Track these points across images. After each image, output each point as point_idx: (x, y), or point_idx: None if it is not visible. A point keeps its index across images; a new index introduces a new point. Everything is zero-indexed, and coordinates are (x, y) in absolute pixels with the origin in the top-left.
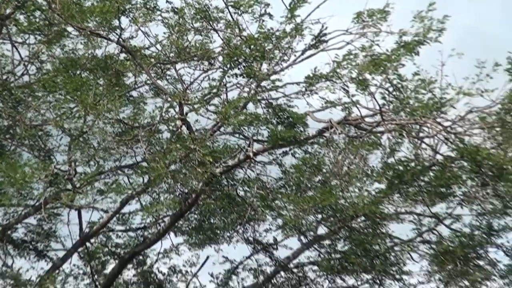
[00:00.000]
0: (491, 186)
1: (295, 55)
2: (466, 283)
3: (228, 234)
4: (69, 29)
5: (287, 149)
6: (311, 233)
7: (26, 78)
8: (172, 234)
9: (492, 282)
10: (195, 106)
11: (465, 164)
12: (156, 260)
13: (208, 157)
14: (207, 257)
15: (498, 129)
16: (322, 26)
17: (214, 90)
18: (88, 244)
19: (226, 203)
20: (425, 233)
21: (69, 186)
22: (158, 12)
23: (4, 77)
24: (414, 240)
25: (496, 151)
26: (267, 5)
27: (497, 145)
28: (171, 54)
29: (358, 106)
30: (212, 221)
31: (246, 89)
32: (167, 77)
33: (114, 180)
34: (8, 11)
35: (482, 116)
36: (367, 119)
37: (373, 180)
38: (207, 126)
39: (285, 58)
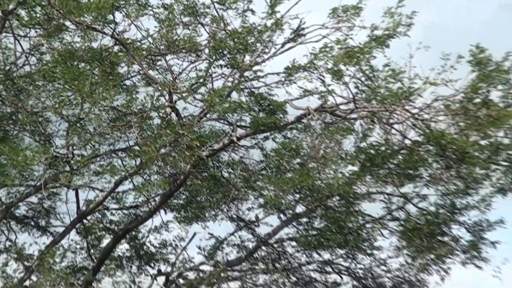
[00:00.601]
0: (455, 169)
1: (275, 48)
2: (432, 257)
3: (214, 212)
4: (67, 23)
5: (268, 134)
6: (290, 211)
7: (27, 68)
8: (162, 212)
9: (455, 257)
10: (183, 94)
11: (431, 148)
12: (148, 236)
13: (195, 142)
14: (194, 233)
15: (461, 116)
16: (300, 21)
17: (201, 80)
18: (85, 221)
19: (211, 183)
20: (394, 211)
21: (67, 168)
22: (150, 8)
23: (7, 67)
24: (384, 217)
25: (459, 136)
26: (250, 1)
27: (460, 130)
28: (161, 47)
29: (333, 94)
30: (199, 200)
31: (230, 79)
32: (158, 68)
33: (109, 163)
34: (11, 7)
35: (446, 104)
36: (341, 107)
37: (347, 162)
38: (194, 113)
39: (266, 50)
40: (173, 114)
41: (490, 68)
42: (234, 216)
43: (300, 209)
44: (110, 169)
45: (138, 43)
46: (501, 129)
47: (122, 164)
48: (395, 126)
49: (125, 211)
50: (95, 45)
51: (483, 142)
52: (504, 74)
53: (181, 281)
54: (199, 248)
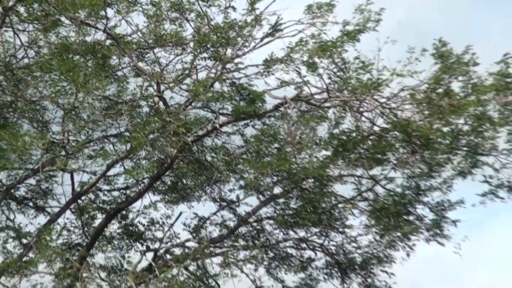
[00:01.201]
0: (419, 153)
1: (254, 42)
2: (398, 234)
3: (198, 193)
4: (63, 19)
5: (248, 121)
6: (268, 192)
7: (26, 60)
8: (150, 193)
9: (419, 234)
10: (170, 85)
11: (398, 134)
12: (137, 215)
13: (181, 128)
14: (180, 213)
15: (425, 104)
16: (278, 17)
17: (186, 72)
18: (79, 201)
19: (196, 167)
20: (364, 192)
21: (63, 153)
22: (139, 4)
23: (7, 59)
24: (355, 198)
25: (423, 124)
26: None
27: (424, 118)
28: (150, 41)
29: (308, 85)
30: (184, 182)
31: (213, 71)
32: (146, 60)
33: (101, 148)
34: (10, 3)
35: (412, 93)
36: (316, 96)
37: (321, 148)
38: (180, 102)
39: (246, 44)
40: (160, 103)
41: (452, 60)
42: (216, 197)
43: (277, 190)
44: (102, 153)
45: (128, 37)
46: (461, 117)
47: (114, 149)
48: (365, 114)
49: (116, 193)
50: (88, 39)
51: (445, 129)
52: (464, 66)
53: (168, 256)
54: (185, 225)
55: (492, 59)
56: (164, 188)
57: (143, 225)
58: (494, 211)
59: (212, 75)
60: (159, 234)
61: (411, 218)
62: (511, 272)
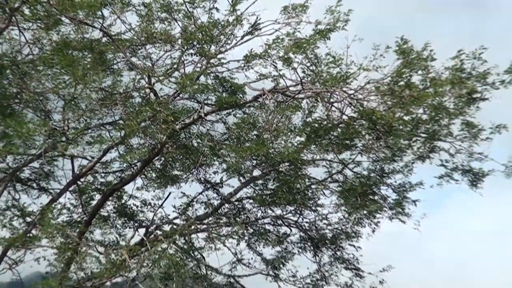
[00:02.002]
0: (383, 140)
1: (236, 39)
2: (365, 212)
3: (185, 175)
4: (63, 18)
5: (230, 110)
6: (248, 174)
7: (30, 56)
8: (142, 175)
9: (383, 213)
10: (160, 78)
11: (364, 122)
12: (130, 196)
13: (170, 117)
14: (169, 193)
15: (388, 96)
16: (257, 18)
17: (175, 66)
18: (78, 182)
19: (183, 152)
20: (334, 174)
21: (64, 139)
22: (132, 6)
23: (13, 55)
24: (326, 180)
25: (387, 113)
26: (215, 1)
27: (387, 108)
28: (142, 38)
29: (284, 78)
30: (173, 165)
31: (199, 65)
32: (138, 56)
33: (98, 134)
34: (16, 4)
35: (377, 86)
36: (291, 88)
37: (295, 134)
38: (169, 93)
39: (228, 41)
40: (151, 94)
41: (412, 56)
42: (202, 178)
43: (256, 172)
44: (99, 139)
45: (122, 35)
46: (420, 107)
47: (109, 135)
48: (335, 104)
49: (111, 175)
50: (86, 36)
51: (406, 118)
52: (423, 62)
53: (158, 232)
54: (174, 207)
55: (447, 55)
56: (155, 171)
57: (136, 206)
58: (449, 192)
59: (198, 69)
60: (150, 213)
61: (376, 198)
62: (463, 244)
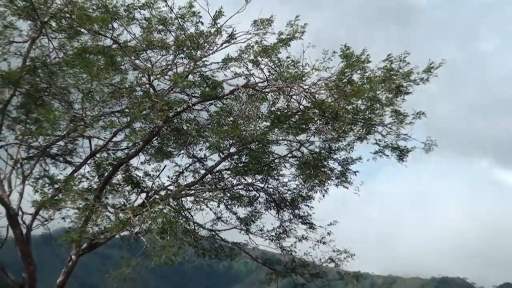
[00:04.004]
0: (331, 124)
1: (216, 46)
2: (316, 181)
3: (177, 152)
4: (82, 30)
5: (212, 101)
6: (226, 151)
7: (56, 59)
8: (144, 152)
9: (331, 181)
10: (157, 76)
11: (316, 111)
12: (135, 168)
13: (165, 106)
14: (165, 166)
15: (334, 90)
16: (233, 29)
17: (169, 67)
18: (95, 157)
19: (176, 133)
20: (293, 151)
21: (82, 123)
22: (136, 20)
23: (43, 58)
24: (286, 156)
25: (334, 103)
26: (200, 17)
27: (334, 100)
28: (143, 45)
29: (253, 76)
30: (167, 144)
31: (188, 66)
32: (141, 59)
33: (109, 120)
34: (46, 19)
35: (326, 82)
36: (259, 84)
37: (263, 120)
38: (164, 88)
39: (211, 48)
40: (150, 89)
41: (353, 59)
42: (190, 154)
43: (232, 149)
44: (110, 124)
45: (128, 43)
46: (359, 99)
47: (118, 121)
48: (294, 97)
49: (120, 152)
50: (100, 44)
51: (348, 107)
52: (361, 63)
53: (156, 196)
54: (168, 177)
55: (380, 58)
56: (153, 148)
57: (139, 176)
58: (382, 164)
59: (187, 70)
60: (150, 182)
61: (325, 169)
62: (393, 206)
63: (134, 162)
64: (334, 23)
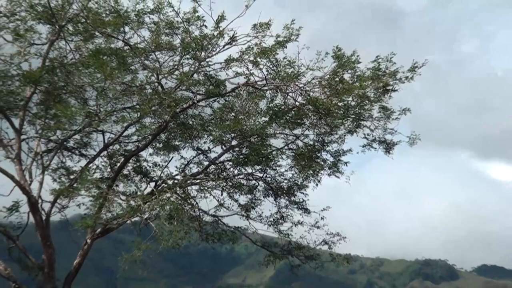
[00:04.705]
0: (324, 119)
1: (219, 48)
2: (310, 172)
3: (183, 145)
4: (96, 33)
5: (215, 98)
6: (228, 144)
7: (73, 60)
8: (153, 145)
9: (324, 171)
10: (165, 75)
11: (310, 107)
12: (144, 160)
13: (172, 103)
14: (172, 157)
15: (327, 88)
16: (234, 32)
17: (175, 67)
18: (108, 150)
19: (182, 128)
20: (289, 144)
21: (97, 118)
22: (145, 23)
23: (61, 59)
24: (283, 148)
25: (326, 100)
26: (204, 20)
27: (327, 97)
28: (152, 47)
29: (253, 75)
30: (174, 137)
31: (193, 66)
32: (150, 59)
33: (121, 115)
34: (63, 23)
35: (319, 81)
36: (258, 83)
37: (262, 115)
38: (171, 86)
39: (214, 49)
40: (159, 87)
41: (344, 60)
42: (195, 147)
43: (234, 142)
44: (121, 118)
45: (138, 45)
46: (350, 96)
47: (129, 116)
48: (290, 94)
49: (131, 144)
50: (112, 46)
51: (340, 104)
52: (352, 64)
53: (164, 185)
54: (176, 167)
55: (369, 58)
56: (161, 142)
57: (148, 166)
58: (370, 156)
59: (192, 69)
60: (158, 172)
61: (318, 160)
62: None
63: (144, 154)
64: (329, 25)
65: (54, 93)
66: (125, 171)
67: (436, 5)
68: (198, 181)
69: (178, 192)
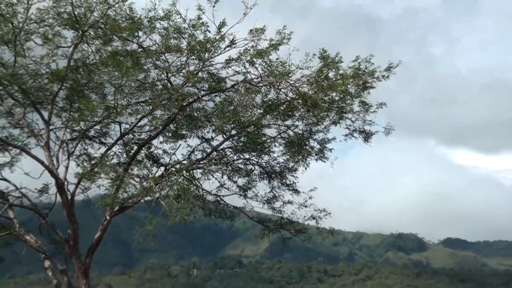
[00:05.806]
0: (311, 111)
1: (220, 50)
2: (300, 157)
3: (189, 134)
4: (114, 37)
5: (217, 93)
6: (228, 133)
7: (94, 60)
8: (163, 134)
9: (311, 157)
10: (174, 73)
11: (300, 101)
12: (156, 147)
13: (180, 97)
14: (179, 145)
15: (314, 84)
16: (233, 36)
17: (183, 66)
18: (124, 139)
19: (188, 119)
20: (281, 133)
21: (114, 111)
22: (156, 29)
23: (83, 59)
24: (276, 137)
25: (314, 95)
26: (207, 26)
27: (314, 92)
28: (162, 49)
29: (250, 73)
30: (182, 127)
31: (198, 66)
32: (160, 60)
33: (135, 108)
34: (86, 28)
35: (307, 78)
36: (254, 80)
37: (257, 108)
38: (179, 83)
39: (216, 51)
40: (168, 83)
41: (329, 60)
42: (199, 135)
43: (233, 131)
44: (136, 111)
45: (150, 47)
46: (334, 92)
47: (142, 108)
48: (282, 90)
49: (144, 133)
50: (128, 48)
51: (325, 98)
52: (335, 64)
53: (172, 169)
54: (182, 155)
55: (350, 58)
56: (170, 131)
57: (159, 153)
58: (352, 144)
59: (197, 68)
60: (167, 157)
61: (307, 147)
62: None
63: (155, 142)
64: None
65: (78, 89)
66: (138, 157)
67: (408, 14)
68: (202, 165)
69: (184, 175)
